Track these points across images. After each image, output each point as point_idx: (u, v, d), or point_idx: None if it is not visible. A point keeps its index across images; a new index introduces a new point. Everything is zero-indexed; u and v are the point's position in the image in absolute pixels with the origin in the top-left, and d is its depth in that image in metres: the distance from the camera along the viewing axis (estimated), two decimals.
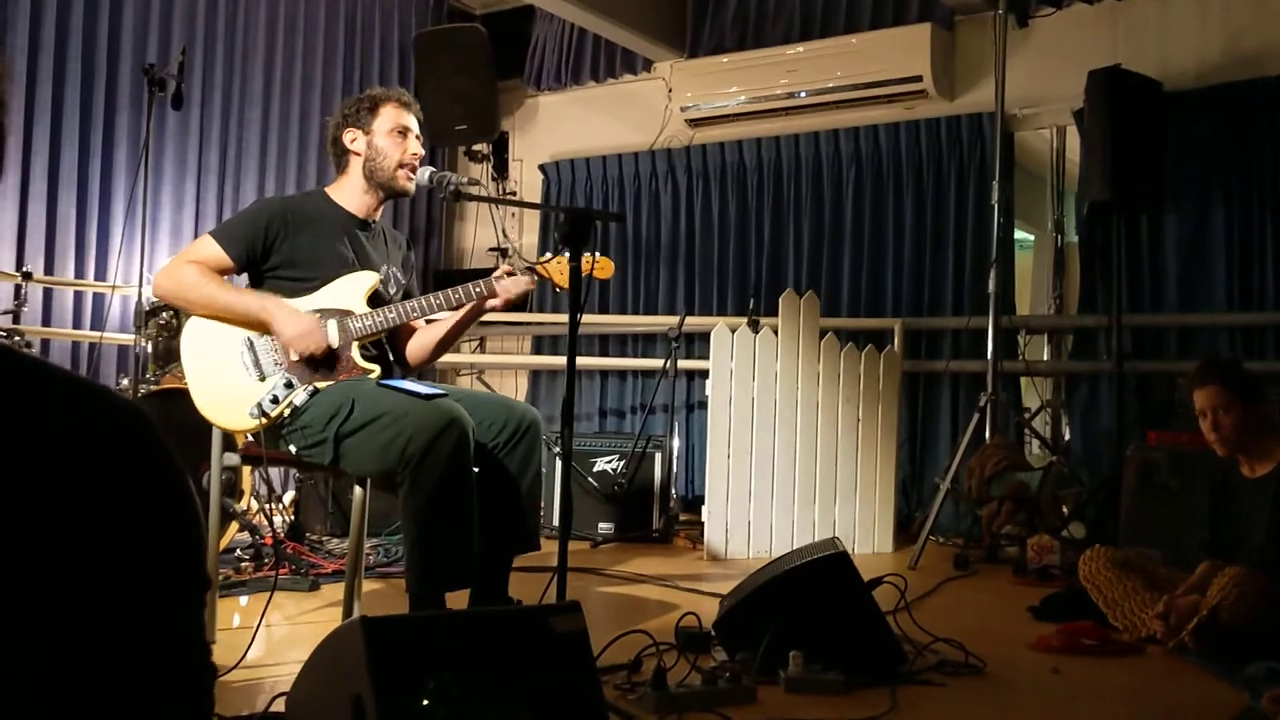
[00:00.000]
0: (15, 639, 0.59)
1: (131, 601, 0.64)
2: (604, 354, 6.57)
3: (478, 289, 3.02)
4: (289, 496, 4.98)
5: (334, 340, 2.91)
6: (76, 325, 5.26)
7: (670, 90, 6.46)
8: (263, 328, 2.88)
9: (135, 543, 0.64)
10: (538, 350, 6.89)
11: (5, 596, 0.58)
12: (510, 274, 3.03)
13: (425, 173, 3.04)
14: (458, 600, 2.88)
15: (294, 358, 2.87)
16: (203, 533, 0.72)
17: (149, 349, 4.22)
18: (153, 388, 3.97)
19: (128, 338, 5.07)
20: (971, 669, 2.79)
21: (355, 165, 3.08)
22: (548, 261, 3.06)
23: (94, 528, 0.63)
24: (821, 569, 2.76)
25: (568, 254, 2.65)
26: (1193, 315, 5.10)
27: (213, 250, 2.90)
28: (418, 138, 3.11)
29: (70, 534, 0.62)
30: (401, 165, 3.05)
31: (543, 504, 4.46)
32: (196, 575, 0.70)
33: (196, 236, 5.73)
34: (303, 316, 2.87)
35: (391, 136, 3.05)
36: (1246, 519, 3.26)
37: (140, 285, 4.11)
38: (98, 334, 5.00)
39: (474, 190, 3.15)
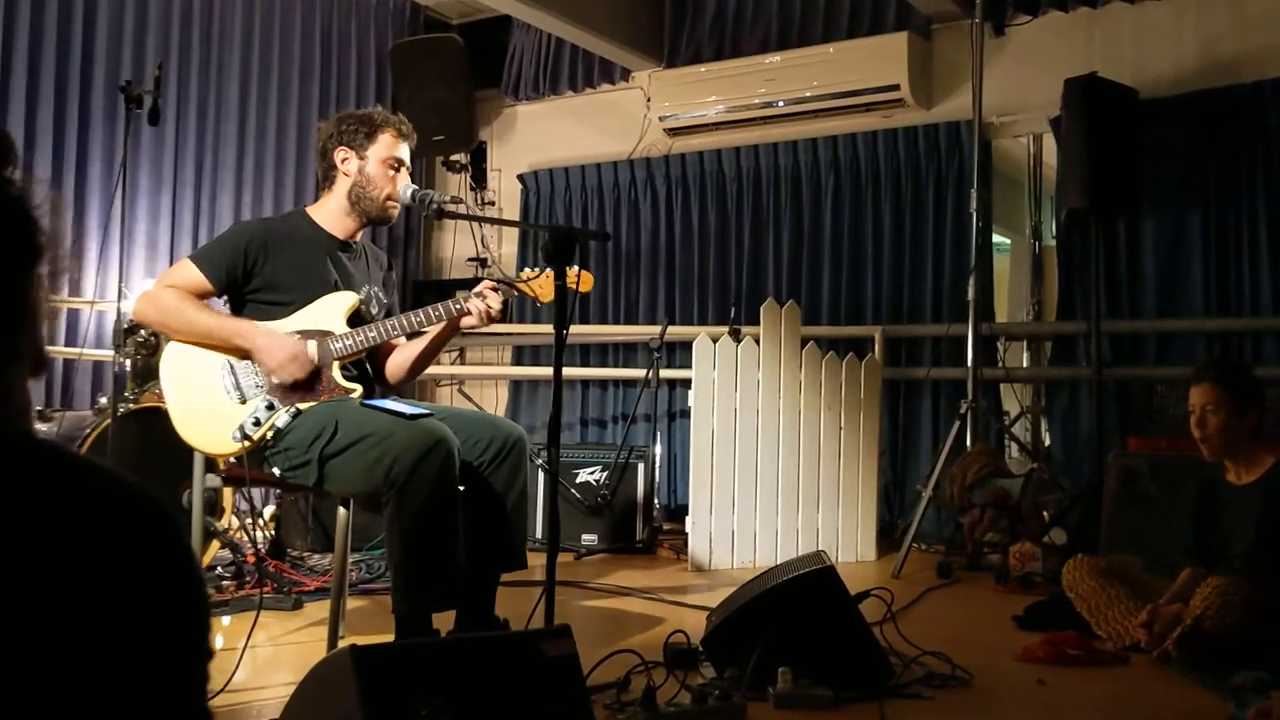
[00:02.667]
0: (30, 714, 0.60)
1: (142, 680, 0.65)
2: (585, 364, 6.56)
3: (456, 306, 3.00)
4: (269, 511, 4.94)
5: (316, 361, 2.89)
6: (51, 342, 5.21)
7: (648, 100, 6.46)
8: (244, 354, 2.86)
9: (150, 632, 0.65)
10: (518, 361, 6.88)
11: (22, 677, 0.59)
12: (494, 289, 3.01)
13: (408, 191, 3.02)
14: (444, 619, 2.87)
15: (275, 382, 2.85)
16: (209, 615, 0.73)
17: (128, 367, 4.18)
18: (131, 406, 3.94)
19: (106, 354, 5.02)
20: (958, 681, 2.80)
21: (341, 186, 3.06)
22: (532, 279, 3.05)
23: (112, 618, 0.63)
24: (808, 584, 2.76)
25: (549, 270, 2.63)
26: (1171, 321, 5.13)
27: (192, 274, 2.88)
28: (408, 169, 3.09)
29: (88, 622, 0.63)
30: (389, 198, 3.04)
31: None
32: (203, 654, 0.71)
33: (173, 251, 5.72)
34: (285, 342, 2.85)
35: (384, 167, 3.03)
36: (1231, 527, 3.27)
37: (118, 302, 4.07)
38: (75, 351, 4.95)
39: (457, 208, 3.13)
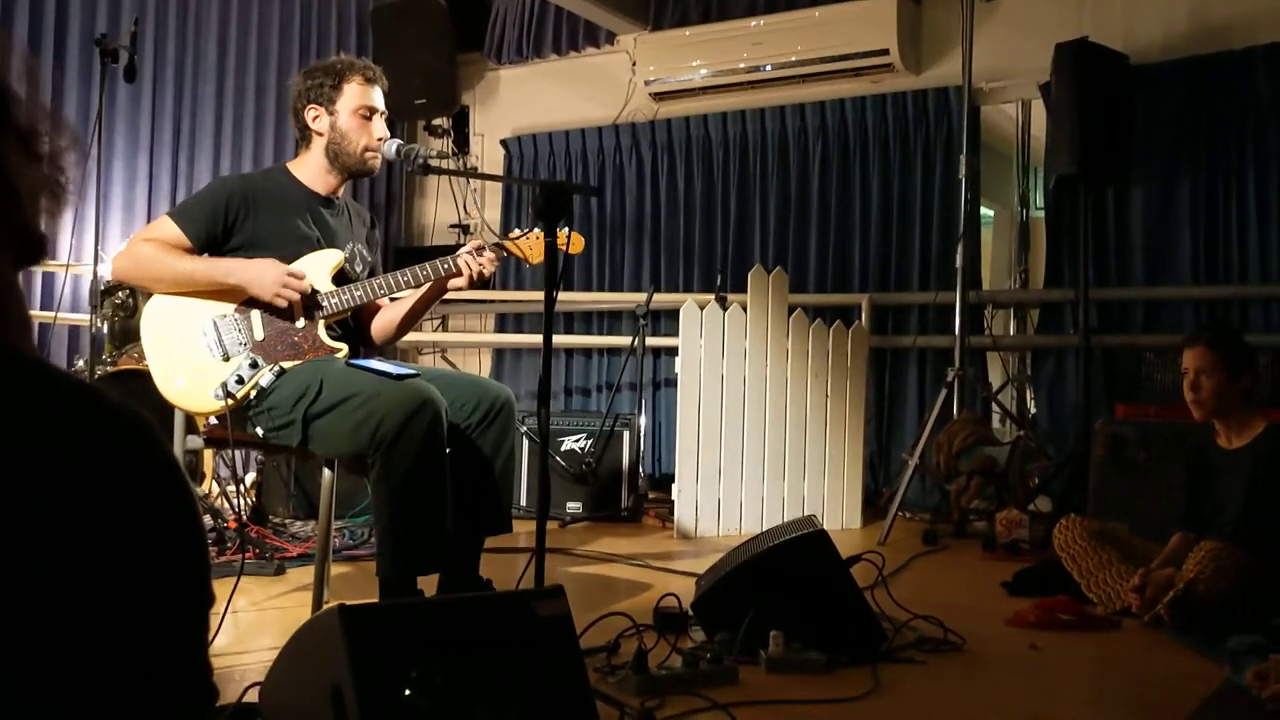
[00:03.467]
0: (11, 661, 0.54)
1: (135, 621, 0.59)
2: (569, 332, 6.51)
3: (445, 265, 2.94)
4: (250, 478, 4.87)
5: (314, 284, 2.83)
6: (30, 302, 5.10)
7: (634, 63, 6.38)
8: (230, 294, 2.79)
9: (140, 562, 0.60)
10: (501, 328, 6.81)
11: (12, 620, 0.54)
12: (480, 249, 2.95)
13: (393, 145, 2.95)
14: (427, 583, 2.83)
15: (278, 305, 2.77)
16: (206, 547, 0.67)
17: (105, 329, 4.10)
18: (109, 369, 3.86)
19: (83, 318, 4.93)
20: (951, 646, 2.78)
21: (317, 144, 2.98)
22: (518, 239, 2.99)
23: (97, 548, 0.58)
24: (800, 547, 2.74)
25: (539, 229, 2.58)
26: (1159, 289, 5.11)
27: (171, 231, 2.80)
28: (383, 114, 3.00)
29: (71, 555, 0.57)
30: (368, 149, 2.96)
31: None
32: (201, 592, 0.66)
33: (150, 212, 5.63)
34: (274, 266, 2.77)
35: (356, 118, 2.94)
36: (1224, 492, 3.25)
37: (95, 264, 3.98)
38: (50, 314, 4.85)
39: (442, 163, 3.06)
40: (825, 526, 4.67)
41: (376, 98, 2.98)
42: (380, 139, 2.98)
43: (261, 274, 2.76)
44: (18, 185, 0.67)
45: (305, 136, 3.01)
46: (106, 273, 3.88)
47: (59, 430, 0.59)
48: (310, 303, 2.85)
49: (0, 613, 0.55)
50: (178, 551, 0.63)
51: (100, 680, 0.58)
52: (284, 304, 2.77)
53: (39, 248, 0.71)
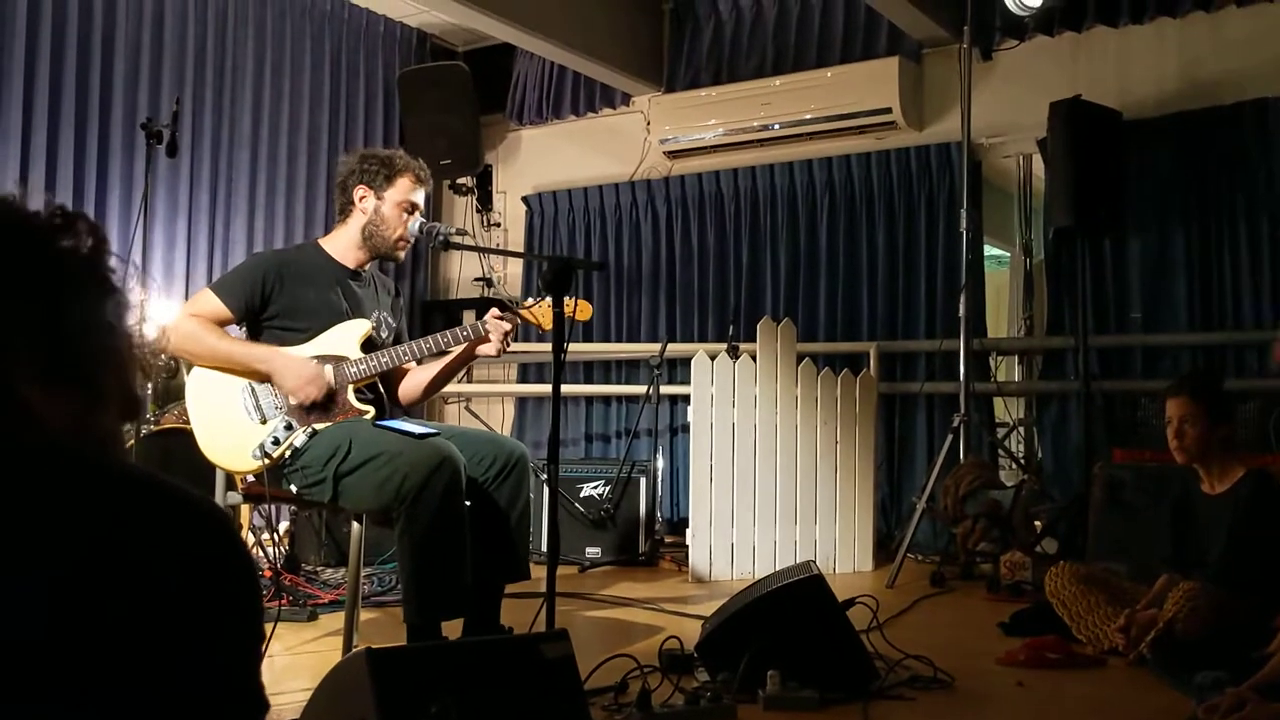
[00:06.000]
0: (145, 680, 0.76)
1: (222, 654, 0.82)
2: (588, 381, 6.73)
3: (464, 333, 3.18)
4: (284, 527, 5.09)
5: (332, 383, 3.07)
6: None
7: (649, 124, 6.64)
8: (264, 377, 3.04)
9: (225, 614, 0.82)
10: (524, 379, 7.04)
11: (103, 672, 0.76)
12: (499, 318, 3.19)
13: (415, 224, 3.20)
14: (452, 628, 3.03)
15: (294, 403, 3.02)
16: (263, 599, 0.92)
17: (148, 389, 4.36)
18: (153, 428, 4.11)
19: None
20: (940, 684, 2.94)
21: (355, 221, 3.23)
22: (532, 306, 3.23)
23: (197, 605, 0.80)
24: (797, 592, 2.91)
25: (549, 299, 2.81)
26: (1156, 335, 5.28)
27: (213, 303, 3.06)
28: (421, 212, 3.26)
29: (180, 610, 0.79)
30: (401, 239, 3.21)
31: (531, 530, 4.61)
32: (261, 633, 0.89)
33: (189, 276, 5.90)
34: (303, 365, 3.02)
35: (399, 210, 3.21)
36: (1206, 535, 3.41)
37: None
38: None
39: (462, 240, 3.31)
40: (837, 570, 4.92)
41: (420, 197, 3.26)
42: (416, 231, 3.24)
43: (290, 374, 3.00)
44: (129, 365, 0.92)
45: (346, 211, 3.26)
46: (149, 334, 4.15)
47: (173, 525, 0.82)
48: (340, 372, 3.09)
49: (141, 649, 0.77)
50: (248, 605, 0.86)
51: (199, 693, 0.80)
52: (302, 401, 3.00)
53: (136, 408, 0.96)
